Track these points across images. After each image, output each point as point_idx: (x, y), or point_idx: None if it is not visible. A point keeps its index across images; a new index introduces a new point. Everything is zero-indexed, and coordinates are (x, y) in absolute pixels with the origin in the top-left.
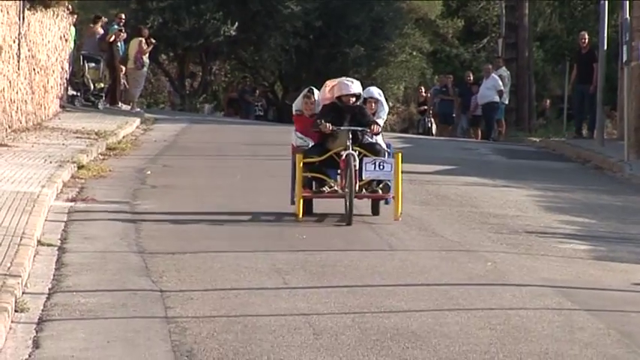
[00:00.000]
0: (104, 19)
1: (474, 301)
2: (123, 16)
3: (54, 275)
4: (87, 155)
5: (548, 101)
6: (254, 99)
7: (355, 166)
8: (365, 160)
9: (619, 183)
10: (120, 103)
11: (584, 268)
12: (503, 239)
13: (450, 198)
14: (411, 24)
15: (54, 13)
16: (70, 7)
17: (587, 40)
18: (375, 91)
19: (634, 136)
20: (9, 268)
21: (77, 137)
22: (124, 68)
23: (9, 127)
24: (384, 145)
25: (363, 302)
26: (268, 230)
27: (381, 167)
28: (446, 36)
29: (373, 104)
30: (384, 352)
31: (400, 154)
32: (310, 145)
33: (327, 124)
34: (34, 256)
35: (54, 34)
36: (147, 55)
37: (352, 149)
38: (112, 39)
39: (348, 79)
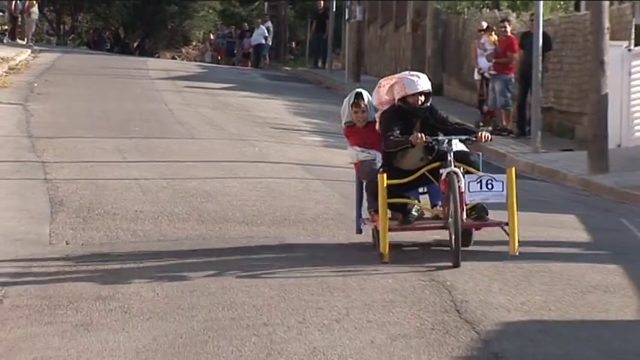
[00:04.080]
0: None
1: (246, 172)
2: None
3: None
4: None
5: (294, 43)
6: (105, 38)
7: (461, 187)
8: (468, 178)
9: (341, 97)
10: (17, 39)
11: (318, 152)
12: (266, 132)
13: (232, 105)
14: None
15: None
16: None
17: (323, 4)
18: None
19: (352, 67)
20: None
21: None
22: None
23: None
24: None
25: (174, 172)
26: (116, 123)
27: (490, 186)
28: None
29: None
30: (188, 204)
31: (514, 169)
32: (376, 159)
33: (420, 134)
34: None
35: None
36: (35, 7)
37: (454, 164)
38: None
39: (411, 73)
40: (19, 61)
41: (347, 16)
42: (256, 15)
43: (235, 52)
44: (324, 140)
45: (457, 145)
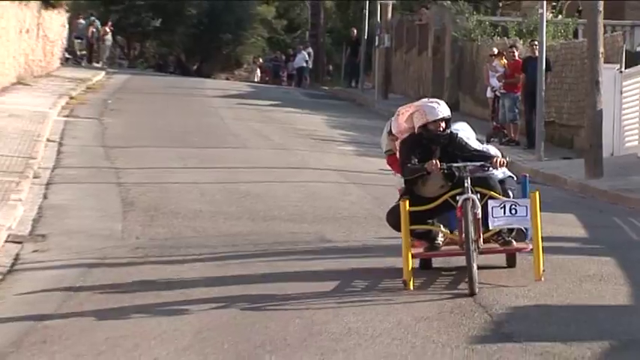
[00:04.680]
0: (84, 16)
1: (290, 177)
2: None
3: (55, 158)
4: (74, 91)
5: (331, 66)
6: (169, 62)
7: (477, 214)
8: (491, 203)
9: (372, 113)
10: (93, 63)
11: (352, 160)
12: (306, 142)
13: (277, 119)
14: (257, 21)
15: (57, 11)
16: (66, 7)
17: (355, 33)
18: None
19: (381, 87)
20: (30, 154)
21: (69, 81)
22: (95, 43)
23: (31, 74)
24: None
25: (228, 177)
26: (178, 134)
27: (513, 211)
28: (276, 29)
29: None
30: (240, 204)
31: (537, 193)
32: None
33: (435, 162)
34: (45, 147)
35: (57, 23)
36: (109, 35)
37: (471, 190)
38: (90, 27)
39: (431, 100)
40: (95, 82)
41: (377, 43)
42: (298, 42)
43: (280, 73)
44: (357, 149)
45: (499, 172)
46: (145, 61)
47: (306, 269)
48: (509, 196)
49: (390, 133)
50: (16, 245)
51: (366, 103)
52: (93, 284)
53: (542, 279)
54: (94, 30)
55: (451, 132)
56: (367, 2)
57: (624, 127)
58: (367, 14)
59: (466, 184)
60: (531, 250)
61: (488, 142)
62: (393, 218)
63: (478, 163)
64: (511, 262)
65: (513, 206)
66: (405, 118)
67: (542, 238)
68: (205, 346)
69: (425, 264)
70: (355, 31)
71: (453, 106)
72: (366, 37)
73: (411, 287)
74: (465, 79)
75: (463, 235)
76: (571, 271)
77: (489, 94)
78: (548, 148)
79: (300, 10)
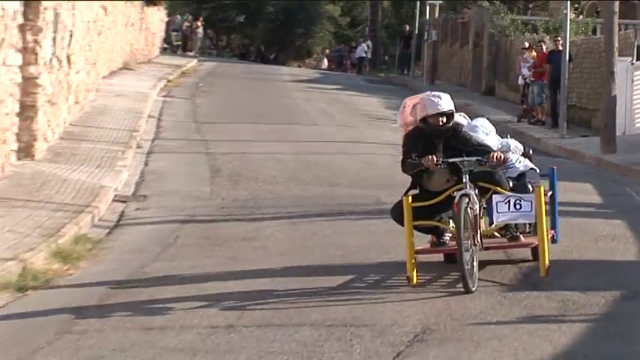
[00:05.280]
0: (179, 12)
1: (350, 149)
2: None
3: (155, 131)
4: (171, 75)
5: (386, 57)
6: (250, 52)
7: (475, 209)
8: (495, 198)
9: None
10: (187, 52)
11: (400, 133)
12: (365, 120)
13: (341, 101)
14: (325, 18)
15: (157, 8)
16: (164, 4)
17: (407, 28)
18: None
19: (428, 74)
20: (134, 127)
21: (167, 67)
22: (188, 35)
23: (135, 61)
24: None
25: (299, 148)
26: (257, 112)
27: (518, 206)
28: (341, 24)
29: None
30: (309, 172)
31: (542, 188)
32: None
33: (432, 157)
34: (146, 122)
35: (157, 18)
36: (200, 28)
37: (469, 186)
38: (185, 21)
39: (433, 93)
40: (188, 68)
41: (426, 37)
42: (359, 36)
43: (344, 62)
44: None
45: (519, 165)
46: (230, 51)
47: (365, 226)
48: (527, 190)
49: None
50: (122, 204)
51: (416, 88)
52: (185, 237)
53: (547, 276)
54: (188, 24)
55: (455, 126)
56: (418, 2)
57: (634, 111)
58: (418, 13)
59: (464, 180)
60: (537, 245)
61: (519, 121)
62: (397, 213)
63: (474, 158)
64: (536, 255)
65: (518, 201)
66: (410, 110)
67: (547, 236)
68: (287, 281)
69: (449, 258)
70: (407, 27)
71: (489, 91)
72: (416, 32)
73: (414, 282)
74: (499, 69)
75: (457, 231)
76: (587, 232)
77: (520, 81)
78: (569, 127)
79: (361, 8)
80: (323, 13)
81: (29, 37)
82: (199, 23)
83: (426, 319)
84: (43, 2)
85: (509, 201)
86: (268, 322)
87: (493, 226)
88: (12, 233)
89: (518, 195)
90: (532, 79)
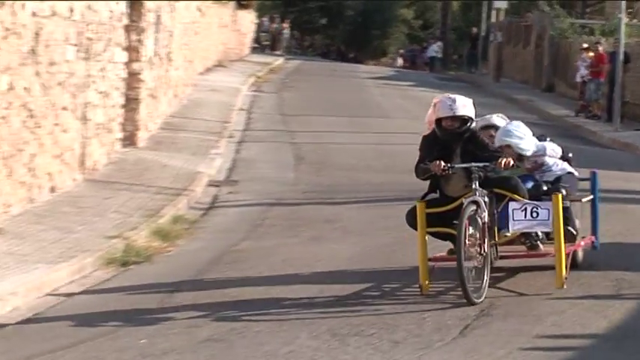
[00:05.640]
0: (268, 15)
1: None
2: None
3: (245, 123)
4: (260, 72)
5: (455, 56)
6: (331, 51)
7: (482, 217)
8: (512, 205)
9: (487, 92)
10: (274, 51)
11: None
12: None
13: (413, 96)
14: (400, 21)
15: (248, 11)
16: (254, 8)
17: (475, 31)
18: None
19: (494, 73)
20: (226, 119)
21: (256, 64)
22: (276, 36)
23: (227, 59)
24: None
25: (376, 139)
26: (337, 106)
27: (535, 214)
28: (414, 26)
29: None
30: (383, 160)
31: (560, 195)
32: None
33: (439, 162)
34: (237, 114)
35: (247, 20)
36: (287, 29)
37: (478, 193)
38: (273, 23)
39: (450, 95)
40: (276, 65)
41: (491, 39)
42: (431, 37)
43: (416, 61)
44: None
45: (556, 169)
46: (314, 50)
47: None
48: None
49: (482, 128)
50: (215, 188)
51: (482, 85)
52: (272, 218)
53: (565, 286)
54: (276, 26)
55: (472, 131)
56: (485, 7)
57: None
58: (485, 16)
59: (474, 186)
60: (554, 255)
61: (576, 115)
62: (411, 218)
63: (481, 164)
64: (574, 262)
65: (535, 209)
66: (433, 110)
67: (564, 245)
68: (364, 259)
69: None
70: (475, 29)
71: (549, 88)
72: (483, 34)
73: (426, 291)
74: (559, 68)
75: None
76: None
77: (578, 79)
78: (623, 122)
79: (433, 12)
80: (398, 16)
81: (133, 36)
82: (286, 25)
83: (492, 296)
84: (146, 4)
85: (525, 208)
86: (346, 295)
87: (509, 234)
88: (117, 214)
89: (535, 202)
90: (589, 77)
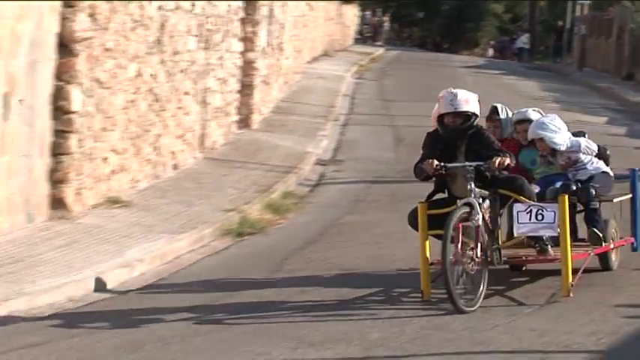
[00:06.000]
0: (371, 9)
1: None
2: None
3: (349, 107)
4: (362, 61)
5: (542, 47)
6: (428, 42)
7: (475, 220)
8: (517, 207)
9: (571, 80)
10: (375, 42)
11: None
12: (523, 99)
13: (503, 83)
14: (491, 15)
15: (352, 5)
16: (358, 3)
17: (560, 24)
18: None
19: (578, 62)
20: (332, 104)
21: (358, 54)
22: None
23: (333, 49)
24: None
25: None
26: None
27: (540, 217)
28: (504, 20)
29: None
30: None
31: (567, 197)
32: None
33: (432, 161)
34: (341, 99)
35: (351, 13)
36: (387, 22)
37: (474, 194)
38: (374, 17)
39: (452, 90)
40: (377, 55)
41: (576, 31)
42: (519, 29)
43: (506, 51)
44: (559, 105)
45: (590, 167)
46: (411, 41)
47: None
48: (589, 195)
49: (487, 119)
50: (322, 166)
51: (567, 74)
52: (373, 195)
53: (571, 294)
54: (377, 19)
55: (476, 128)
56: (570, 1)
57: None
58: (570, 10)
59: (469, 187)
60: (558, 260)
61: None
62: (412, 219)
63: (474, 163)
64: (605, 264)
65: (540, 211)
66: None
67: (570, 251)
68: None
69: (514, 266)
70: (560, 22)
71: (629, 77)
72: (568, 26)
73: (427, 297)
74: (638, 58)
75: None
76: None
77: None
78: None
79: (522, 6)
80: (489, 10)
81: (249, 28)
82: (386, 18)
83: (576, 268)
84: (260, 3)
85: (530, 211)
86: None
87: (514, 237)
88: (233, 189)
89: (541, 204)
90: None
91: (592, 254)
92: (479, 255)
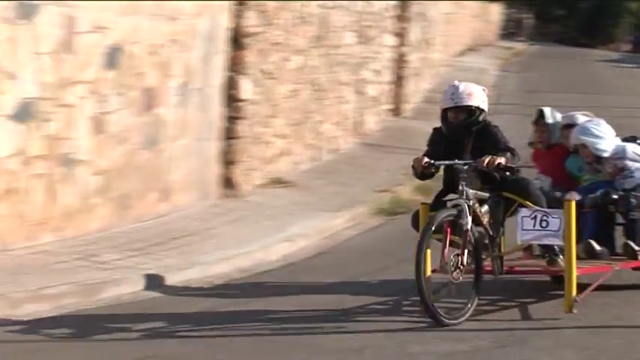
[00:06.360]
0: (515, 8)
1: None
2: None
3: (493, 97)
4: (505, 55)
5: None
6: (565, 38)
7: (464, 224)
8: (522, 212)
9: None
10: (518, 38)
11: None
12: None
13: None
14: (627, 12)
15: (496, 3)
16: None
17: None
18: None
19: None
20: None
21: (502, 49)
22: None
23: (478, 44)
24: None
25: (604, 114)
26: (568, 84)
27: (544, 224)
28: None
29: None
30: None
31: (573, 202)
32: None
33: (421, 158)
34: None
35: (495, 11)
36: (530, 19)
37: (466, 195)
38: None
39: (455, 83)
40: (518, 49)
41: None
42: None
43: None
44: None
45: (639, 175)
46: (552, 37)
47: None
48: (629, 204)
49: (533, 123)
50: None
51: None
52: None
53: (574, 311)
54: (520, 16)
55: (482, 124)
56: None
57: None
58: None
59: (460, 188)
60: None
61: None
62: (414, 221)
63: (462, 162)
64: None
65: (544, 217)
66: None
67: (575, 263)
68: None
69: (556, 279)
70: None
71: None
72: None
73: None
74: None
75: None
76: None
77: None
78: None
79: None
80: (626, 8)
81: (401, 24)
82: (529, 15)
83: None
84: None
85: (535, 217)
86: None
87: (518, 245)
88: (385, 172)
89: (546, 210)
90: None
91: (616, 268)
92: (464, 262)
